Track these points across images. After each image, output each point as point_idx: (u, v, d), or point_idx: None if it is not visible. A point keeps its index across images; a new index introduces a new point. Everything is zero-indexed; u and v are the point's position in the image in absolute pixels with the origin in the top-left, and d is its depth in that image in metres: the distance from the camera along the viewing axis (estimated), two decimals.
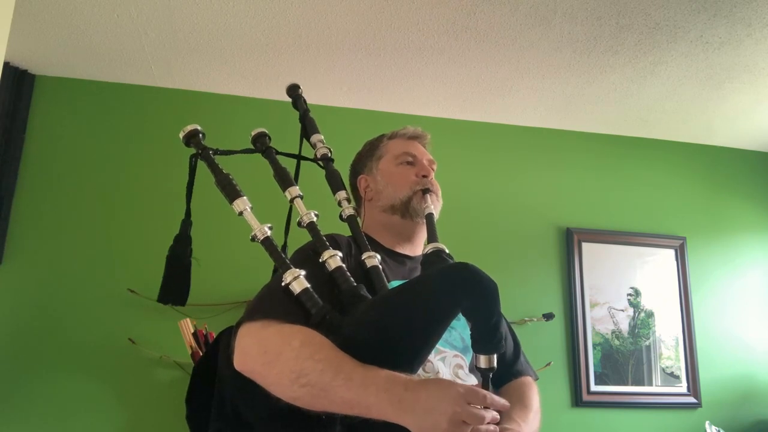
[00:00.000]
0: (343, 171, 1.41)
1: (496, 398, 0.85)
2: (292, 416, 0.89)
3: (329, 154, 1.31)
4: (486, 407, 0.83)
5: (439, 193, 1.30)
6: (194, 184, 1.20)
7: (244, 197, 1.09)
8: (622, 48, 2.12)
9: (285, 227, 1.28)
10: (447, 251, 1.12)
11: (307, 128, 1.34)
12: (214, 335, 1.91)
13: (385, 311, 0.92)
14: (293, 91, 1.39)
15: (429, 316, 0.89)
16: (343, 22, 2.00)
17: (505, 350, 1.23)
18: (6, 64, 2.22)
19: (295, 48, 2.15)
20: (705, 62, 2.19)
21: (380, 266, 1.11)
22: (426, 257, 1.12)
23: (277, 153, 1.22)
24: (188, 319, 1.99)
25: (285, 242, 1.29)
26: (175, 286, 1.19)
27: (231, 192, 1.09)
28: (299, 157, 1.34)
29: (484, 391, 0.84)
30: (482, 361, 0.88)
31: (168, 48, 2.17)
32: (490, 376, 0.89)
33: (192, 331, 1.97)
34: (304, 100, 1.39)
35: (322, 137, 1.33)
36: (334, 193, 1.27)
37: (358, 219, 1.28)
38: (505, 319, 1.28)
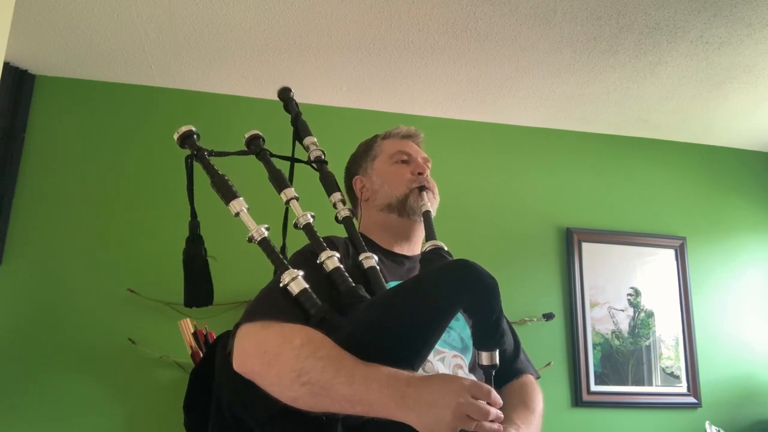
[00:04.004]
0: (342, 171, 1.41)
1: (498, 400, 0.84)
2: (292, 419, 0.88)
3: (323, 157, 1.30)
4: (490, 403, 0.82)
5: (436, 190, 1.30)
6: (193, 184, 1.20)
7: (240, 198, 1.08)
8: (622, 48, 2.12)
9: (282, 229, 1.28)
10: (446, 249, 1.12)
11: (300, 131, 1.34)
12: (214, 335, 1.92)
13: (386, 310, 0.91)
14: (285, 94, 1.39)
15: (430, 314, 0.89)
16: (343, 22, 2.00)
17: (505, 348, 1.22)
18: (6, 64, 2.22)
19: (295, 48, 2.15)
20: (705, 62, 2.19)
21: (378, 267, 1.11)
22: (425, 255, 1.12)
23: (272, 155, 1.22)
24: (188, 319, 1.99)
25: (284, 243, 1.29)
26: (198, 288, 1.19)
27: (227, 193, 1.09)
28: (293, 160, 1.33)
29: (489, 387, 0.84)
30: (484, 358, 0.88)
31: (168, 48, 2.17)
32: (493, 373, 0.88)
33: (192, 331, 1.97)
34: (296, 103, 1.39)
35: (315, 140, 1.33)
36: (329, 195, 1.26)
37: (355, 220, 1.28)
38: (506, 317, 1.28)
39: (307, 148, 1.32)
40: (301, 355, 0.87)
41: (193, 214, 1.20)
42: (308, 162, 1.32)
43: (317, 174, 1.30)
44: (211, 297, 1.20)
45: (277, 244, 1.09)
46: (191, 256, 1.18)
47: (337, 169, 1.36)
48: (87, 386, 2.09)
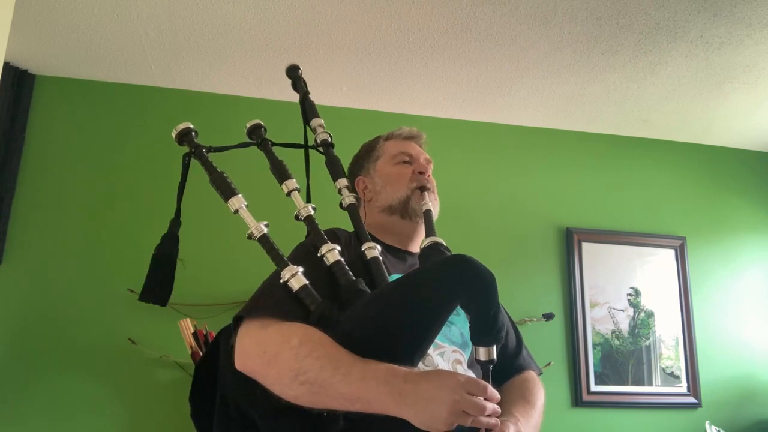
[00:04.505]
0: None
1: (495, 395, 0.85)
2: (295, 413, 0.88)
3: (329, 140, 1.28)
4: (486, 399, 0.83)
5: (436, 191, 1.30)
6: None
7: (239, 195, 1.08)
8: (622, 48, 2.12)
9: (306, 183, 1.27)
10: (444, 244, 1.12)
11: (308, 112, 1.31)
12: (214, 335, 1.92)
13: (384, 306, 0.92)
14: (293, 72, 1.35)
15: (428, 309, 0.89)
16: (343, 22, 2.00)
17: (506, 344, 1.22)
18: (6, 64, 2.22)
19: (295, 48, 2.15)
20: (705, 62, 2.19)
21: (380, 258, 1.11)
22: (423, 250, 1.12)
23: (273, 144, 1.21)
24: (188, 319, 1.99)
25: (308, 192, 1.29)
26: (158, 286, 1.16)
27: (226, 190, 1.08)
28: (304, 146, 1.31)
29: (485, 383, 0.84)
30: (482, 354, 0.88)
31: (168, 48, 2.17)
32: (490, 368, 0.89)
33: (192, 331, 1.97)
34: (304, 82, 1.35)
35: (323, 122, 1.30)
36: (335, 181, 1.25)
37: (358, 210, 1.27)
38: (508, 314, 1.28)
39: (314, 130, 1.30)
40: (300, 355, 0.87)
41: (177, 213, 1.19)
42: (314, 146, 1.30)
43: (322, 161, 1.28)
44: (167, 298, 1.17)
45: (280, 240, 1.08)
46: (161, 254, 1.17)
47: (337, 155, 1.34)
48: (87, 386, 2.09)
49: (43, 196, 2.25)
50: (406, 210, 1.25)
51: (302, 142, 1.34)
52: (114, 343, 2.12)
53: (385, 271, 1.08)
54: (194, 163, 1.16)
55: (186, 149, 1.17)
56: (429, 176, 1.30)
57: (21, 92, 2.29)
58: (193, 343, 1.96)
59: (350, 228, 1.22)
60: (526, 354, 1.26)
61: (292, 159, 1.30)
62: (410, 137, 1.36)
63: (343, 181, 1.24)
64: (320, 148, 1.28)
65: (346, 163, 1.41)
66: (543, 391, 1.18)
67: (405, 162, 1.30)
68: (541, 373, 1.26)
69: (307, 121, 1.32)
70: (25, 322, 2.12)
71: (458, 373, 0.85)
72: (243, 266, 2.18)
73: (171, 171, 2.31)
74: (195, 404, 1.09)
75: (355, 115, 2.57)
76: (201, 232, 2.18)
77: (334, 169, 1.25)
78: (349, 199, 1.22)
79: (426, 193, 1.25)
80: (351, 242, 1.16)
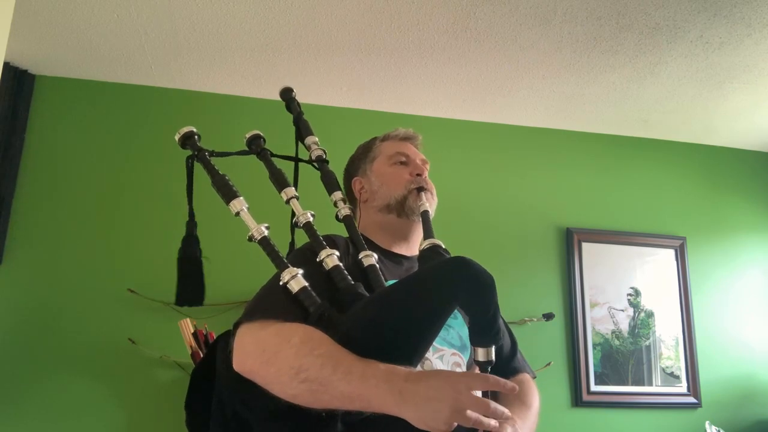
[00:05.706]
0: (342, 171, 1.41)
1: (501, 380, 0.84)
2: (292, 416, 0.88)
3: (324, 156, 1.32)
4: (491, 391, 0.83)
5: (434, 190, 1.32)
6: (195, 186, 1.21)
7: (241, 198, 1.10)
8: (622, 48, 2.12)
9: (291, 227, 1.28)
10: (443, 246, 1.13)
11: (302, 130, 1.36)
12: (214, 335, 1.92)
13: (383, 307, 0.92)
14: (287, 94, 1.41)
15: (427, 311, 0.89)
16: (343, 22, 2.00)
17: (502, 347, 1.23)
18: (6, 64, 2.22)
19: (295, 48, 2.15)
20: (705, 62, 2.19)
21: (377, 265, 1.11)
22: (422, 253, 1.13)
23: (272, 155, 1.23)
24: (188, 319, 1.99)
25: (292, 239, 1.29)
26: (190, 287, 1.21)
27: (227, 193, 1.10)
28: (294, 159, 1.35)
29: (486, 375, 0.84)
30: (480, 354, 0.89)
31: (168, 48, 2.17)
32: (489, 369, 0.89)
33: (192, 331, 1.97)
34: (298, 103, 1.40)
35: (317, 139, 1.34)
36: (330, 194, 1.27)
37: (354, 220, 1.28)
38: (502, 317, 1.28)
39: (308, 148, 1.34)
40: (300, 353, 0.87)
41: (191, 215, 1.22)
42: (309, 161, 1.33)
43: (318, 173, 1.31)
44: (202, 297, 1.22)
45: (280, 244, 1.09)
46: (186, 256, 1.21)
47: (337, 169, 1.36)
48: (87, 386, 2.09)
49: (43, 196, 2.25)
50: (402, 208, 1.26)
51: (296, 145, 1.37)
52: (114, 343, 2.12)
53: (382, 278, 1.09)
54: (196, 165, 1.18)
55: (188, 152, 1.18)
56: (425, 177, 1.31)
57: (21, 92, 2.29)
58: (193, 343, 1.96)
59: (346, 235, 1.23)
60: (520, 357, 1.28)
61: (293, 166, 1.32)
62: (406, 138, 1.38)
63: (338, 194, 1.27)
64: (315, 164, 1.31)
65: (345, 165, 1.42)
66: (538, 394, 1.19)
67: (401, 163, 1.32)
68: (534, 377, 1.27)
69: (301, 139, 1.36)
70: (25, 322, 2.12)
71: (460, 372, 0.86)
72: (243, 267, 2.18)
73: (171, 171, 2.32)
74: (191, 411, 1.09)
75: (355, 115, 2.57)
76: (202, 233, 2.17)
77: (330, 183, 1.28)
78: (344, 210, 1.25)
79: (423, 193, 1.26)
80: (348, 248, 1.17)
